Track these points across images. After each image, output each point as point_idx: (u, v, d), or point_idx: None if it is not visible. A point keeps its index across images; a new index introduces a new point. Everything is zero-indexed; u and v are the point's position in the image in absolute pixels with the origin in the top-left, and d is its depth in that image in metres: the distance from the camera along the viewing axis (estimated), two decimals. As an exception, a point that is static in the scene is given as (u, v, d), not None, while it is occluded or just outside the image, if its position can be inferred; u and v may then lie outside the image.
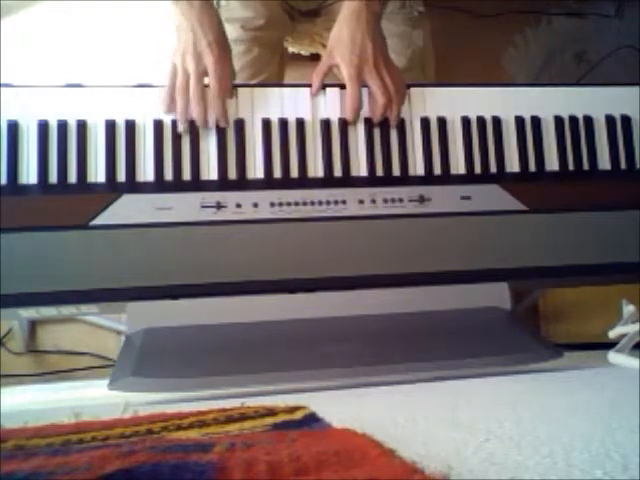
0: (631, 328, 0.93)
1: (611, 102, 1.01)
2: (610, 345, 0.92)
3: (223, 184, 0.89)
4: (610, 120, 1.00)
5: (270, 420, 0.50)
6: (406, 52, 1.17)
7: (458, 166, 0.95)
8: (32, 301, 0.83)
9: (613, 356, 0.89)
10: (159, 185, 0.88)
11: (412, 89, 0.98)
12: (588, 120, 0.99)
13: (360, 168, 0.93)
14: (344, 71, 0.93)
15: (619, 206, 0.94)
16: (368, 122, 0.94)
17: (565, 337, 1.33)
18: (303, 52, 1.34)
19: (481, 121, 0.97)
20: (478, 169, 0.95)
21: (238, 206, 0.87)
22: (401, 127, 0.95)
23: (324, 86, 0.95)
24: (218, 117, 0.90)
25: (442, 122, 0.96)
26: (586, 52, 1.75)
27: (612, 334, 0.96)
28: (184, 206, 0.86)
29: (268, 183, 0.90)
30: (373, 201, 0.90)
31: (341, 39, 0.94)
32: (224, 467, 0.33)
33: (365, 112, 0.94)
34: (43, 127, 0.88)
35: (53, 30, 1.58)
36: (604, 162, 0.99)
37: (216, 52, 0.91)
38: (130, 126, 0.89)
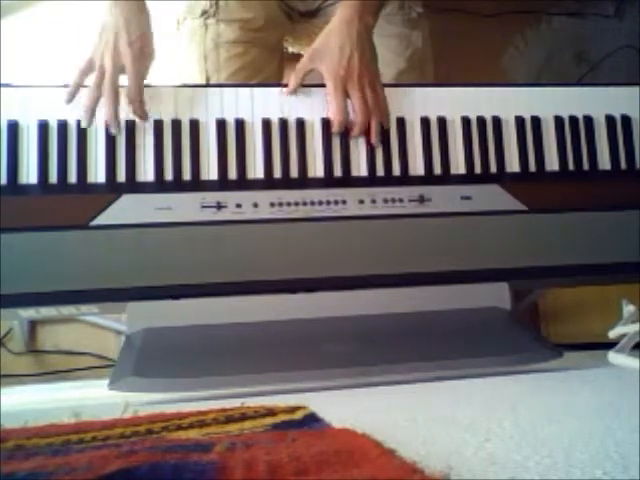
0: (631, 328, 0.93)
1: (611, 102, 1.01)
2: (610, 345, 0.92)
3: (223, 184, 0.89)
4: (610, 120, 1.00)
5: (270, 420, 0.50)
6: (405, 53, 1.17)
7: (458, 166, 0.95)
8: (32, 301, 0.83)
9: (613, 356, 0.89)
10: (159, 185, 0.88)
11: (412, 89, 0.98)
12: (588, 120, 0.99)
13: (360, 168, 0.93)
14: (328, 82, 0.93)
15: (619, 206, 0.94)
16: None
17: (565, 337, 1.33)
18: (302, 52, 1.33)
19: (481, 121, 0.97)
20: (478, 169, 0.95)
21: (238, 206, 0.87)
22: (401, 127, 0.95)
23: (324, 86, 0.95)
24: (138, 115, 0.89)
25: (442, 122, 0.96)
26: (586, 52, 1.75)
27: (612, 334, 0.96)
28: (184, 206, 0.86)
29: (268, 183, 0.90)
30: (373, 201, 0.90)
31: (329, 47, 0.94)
32: (224, 467, 0.33)
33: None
34: (43, 127, 0.88)
35: (53, 30, 1.58)
36: (604, 162, 0.99)
37: (137, 52, 0.90)
38: (130, 126, 0.89)
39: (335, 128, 0.92)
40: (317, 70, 0.95)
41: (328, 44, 0.94)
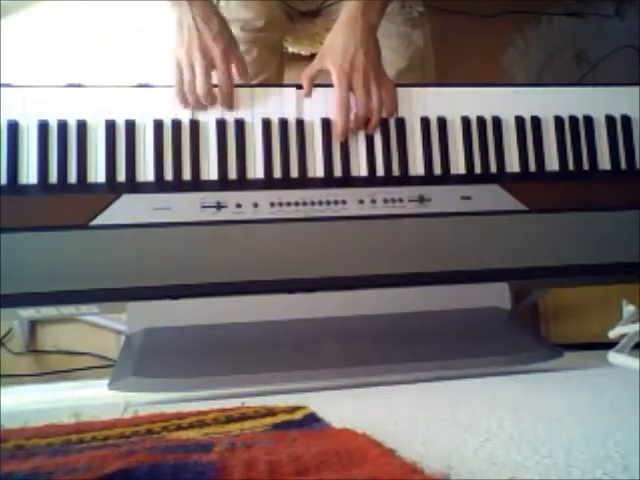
0: (631, 328, 0.93)
1: (611, 102, 1.01)
2: (610, 345, 0.92)
3: (223, 184, 0.89)
4: (610, 120, 1.00)
5: (270, 420, 0.50)
6: (406, 52, 1.17)
7: (458, 166, 0.95)
8: (32, 301, 0.83)
9: (613, 356, 0.89)
10: (159, 185, 0.88)
11: (412, 89, 0.98)
12: (588, 120, 0.99)
13: (360, 168, 0.93)
14: (334, 77, 0.93)
15: (619, 206, 0.94)
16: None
17: (565, 337, 1.33)
18: (303, 52, 1.34)
19: (481, 121, 0.97)
20: (478, 169, 0.95)
21: (238, 206, 0.87)
22: (401, 127, 0.95)
23: (325, 86, 0.95)
24: (227, 106, 0.92)
25: (442, 122, 0.96)
26: (586, 52, 1.75)
27: (612, 334, 0.96)
28: (184, 206, 0.86)
29: (268, 183, 0.90)
30: (373, 201, 0.90)
31: (334, 46, 0.95)
32: (224, 467, 0.33)
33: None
34: (43, 127, 0.88)
35: (53, 30, 1.58)
36: (604, 162, 0.99)
37: (222, 45, 0.92)
38: (130, 126, 0.89)
39: (338, 127, 0.92)
40: (325, 69, 0.95)
41: (333, 43, 0.95)
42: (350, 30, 0.94)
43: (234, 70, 0.95)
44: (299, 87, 0.95)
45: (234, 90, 0.92)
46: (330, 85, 0.94)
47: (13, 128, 0.87)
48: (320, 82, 0.96)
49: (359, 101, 0.93)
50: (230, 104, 0.92)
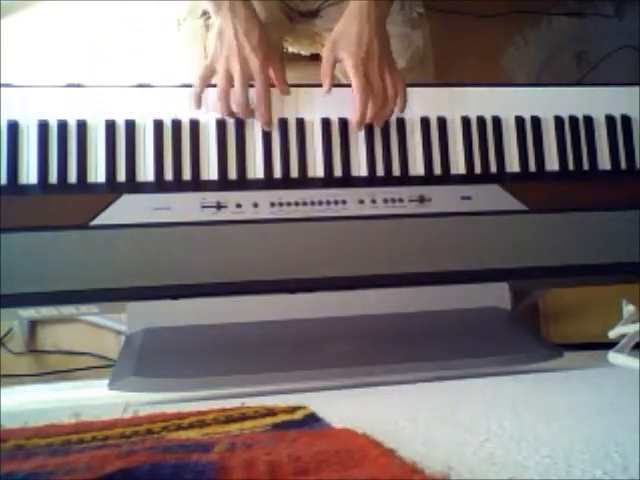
0: (631, 328, 0.93)
1: (611, 102, 1.01)
2: (610, 345, 0.92)
3: (223, 184, 0.89)
4: (610, 120, 1.00)
5: (270, 420, 0.50)
6: (405, 53, 1.17)
7: (458, 166, 0.95)
8: (32, 301, 0.83)
9: (613, 356, 0.89)
10: (159, 185, 0.88)
11: (412, 89, 0.97)
12: (588, 120, 0.99)
13: (360, 168, 0.93)
14: (349, 65, 0.92)
15: (619, 206, 0.94)
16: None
17: (565, 337, 1.33)
18: (303, 52, 1.33)
19: (481, 121, 0.97)
20: (478, 169, 0.95)
21: (238, 206, 0.87)
22: (401, 127, 0.95)
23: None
24: (263, 122, 0.91)
25: (442, 122, 0.96)
26: (586, 52, 1.75)
27: (612, 334, 0.96)
28: (184, 206, 0.86)
29: (268, 183, 0.90)
30: (373, 201, 0.90)
31: (348, 35, 0.93)
32: (224, 467, 0.33)
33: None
34: (43, 127, 0.88)
35: (53, 30, 1.58)
36: (604, 162, 0.99)
37: (261, 56, 0.91)
38: (130, 126, 0.89)
39: (358, 115, 0.90)
40: (339, 59, 0.93)
41: (347, 32, 0.94)
42: (365, 18, 0.93)
43: (274, 81, 0.93)
44: (299, 86, 0.95)
45: (270, 103, 0.91)
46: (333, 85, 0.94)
47: (13, 128, 0.87)
48: (318, 82, 0.95)
49: (376, 89, 0.91)
50: (266, 114, 0.91)
